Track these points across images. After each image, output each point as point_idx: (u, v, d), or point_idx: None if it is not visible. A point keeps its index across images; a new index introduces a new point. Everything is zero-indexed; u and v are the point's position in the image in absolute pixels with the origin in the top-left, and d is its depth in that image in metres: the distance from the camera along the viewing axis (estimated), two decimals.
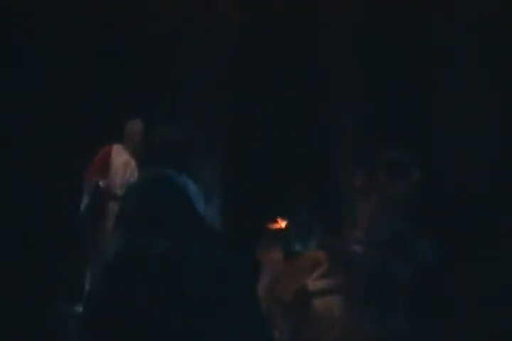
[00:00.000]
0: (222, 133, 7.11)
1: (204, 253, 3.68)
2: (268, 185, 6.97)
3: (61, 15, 7.07)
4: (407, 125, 6.12)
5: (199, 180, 4.09)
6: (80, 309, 6.00)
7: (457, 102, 6.10)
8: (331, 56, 6.97)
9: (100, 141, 6.54)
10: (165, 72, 7.22)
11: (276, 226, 5.75)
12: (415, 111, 6.19)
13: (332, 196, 7.24)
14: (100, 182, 6.24)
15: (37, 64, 7.13)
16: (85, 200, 6.22)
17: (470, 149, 5.75)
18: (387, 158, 4.46)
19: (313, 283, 4.37)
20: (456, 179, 5.77)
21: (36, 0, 6.92)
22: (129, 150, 6.40)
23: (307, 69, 6.99)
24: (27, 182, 7.15)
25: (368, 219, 4.33)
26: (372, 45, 6.52)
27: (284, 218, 5.88)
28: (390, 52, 6.47)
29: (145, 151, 4.28)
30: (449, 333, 4.07)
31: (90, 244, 6.21)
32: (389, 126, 6.39)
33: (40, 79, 7.19)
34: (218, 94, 7.35)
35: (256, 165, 6.93)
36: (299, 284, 4.40)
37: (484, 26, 6.13)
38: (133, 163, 6.41)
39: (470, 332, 4.16)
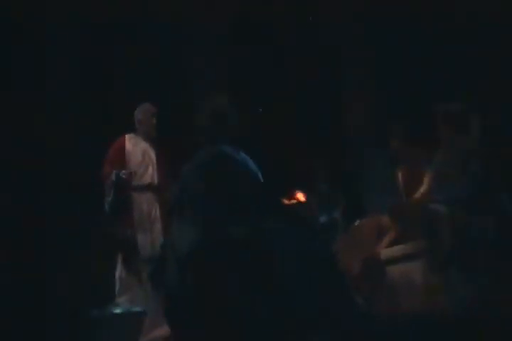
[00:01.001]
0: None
1: (282, 234, 3.52)
2: (289, 162, 6.78)
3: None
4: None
5: None
6: (108, 312, 5.89)
7: None
8: None
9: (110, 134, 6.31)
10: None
11: (296, 200, 5.56)
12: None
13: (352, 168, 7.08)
14: (122, 173, 6.00)
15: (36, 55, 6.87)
16: (109, 196, 5.98)
17: None
18: (452, 111, 4.27)
19: (385, 251, 4.17)
20: None
21: None
22: (143, 137, 6.16)
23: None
24: (38, 184, 6.88)
25: (439, 177, 4.14)
26: None
27: (303, 192, 5.70)
28: None
29: (198, 128, 4.01)
30: None
31: (119, 242, 5.98)
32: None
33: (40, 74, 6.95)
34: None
35: (276, 143, 6.72)
36: (368, 253, 4.20)
37: None
38: (150, 150, 6.18)
39: None
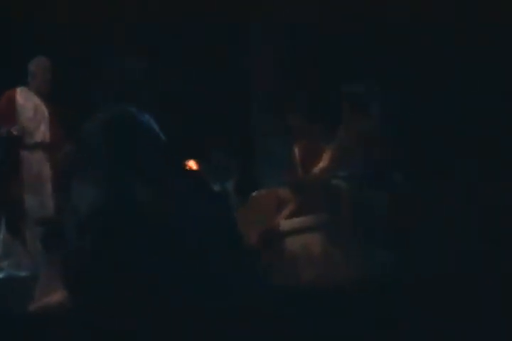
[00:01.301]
0: None
1: (186, 198, 3.49)
2: (184, 129, 6.71)
3: None
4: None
5: None
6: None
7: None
8: None
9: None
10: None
11: (189, 168, 5.52)
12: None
13: (247, 138, 7.09)
14: (13, 129, 5.74)
15: None
16: None
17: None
18: (351, 90, 4.37)
19: (285, 223, 4.23)
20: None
21: None
22: (35, 92, 5.92)
23: None
24: None
25: (339, 153, 4.23)
26: None
27: (197, 161, 5.70)
28: None
29: (103, 85, 3.88)
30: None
31: (3, 203, 5.75)
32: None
33: None
34: None
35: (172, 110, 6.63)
36: (267, 224, 4.25)
37: None
38: (43, 106, 5.94)
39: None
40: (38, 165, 5.86)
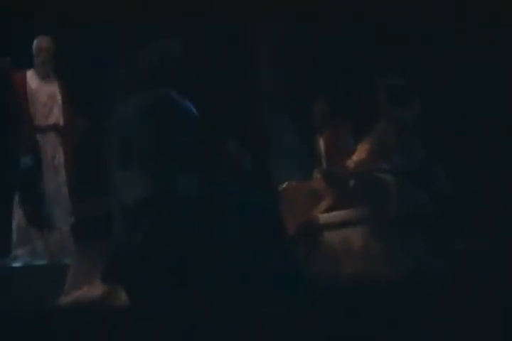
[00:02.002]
0: None
1: (233, 190, 3.39)
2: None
3: None
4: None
5: None
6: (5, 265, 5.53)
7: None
8: None
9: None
10: None
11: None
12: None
13: (261, 130, 6.97)
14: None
15: None
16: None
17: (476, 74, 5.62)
18: (392, 83, 4.26)
19: (324, 216, 4.14)
20: None
21: None
22: (44, 73, 5.76)
23: None
24: None
25: (378, 146, 4.14)
26: None
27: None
28: None
29: (143, 71, 3.73)
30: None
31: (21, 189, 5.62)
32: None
33: None
34: None
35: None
36: (303, 217, 4.15)
37: None
38: (54, 87, 5.80)
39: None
40: (52, 149, 5.75)
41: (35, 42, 5.70)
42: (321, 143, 5.37)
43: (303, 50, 6.05)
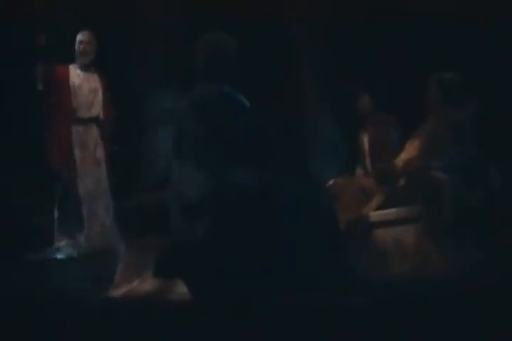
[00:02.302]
0: None
1: (290, 186, 3.37)
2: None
3: None
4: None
5: None
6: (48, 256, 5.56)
7: None
8: None
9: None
10: None
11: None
12: None
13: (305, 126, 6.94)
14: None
15: None
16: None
17: None
18: (446, 79, 4.21)
19: (375, 214, 4.10)
20: None
21: None
22: (85, 67, 5.80)
23: None
24: None
25: (429, 143, 4.09)
26: None
27: None
28: None
29: (200, 64, 3.71)
30: None
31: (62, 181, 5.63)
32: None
33: None
34: None
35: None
36: (353, 214, 4.11)
37: None
38: (95, 81, 5.84)
39: None
40: (93, 142, 5.76)
41: (77, 36, 5.77)
42: (365, 140, 5.34)
43: (347, 47, 6.01)
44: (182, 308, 3.24)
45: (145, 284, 3.70)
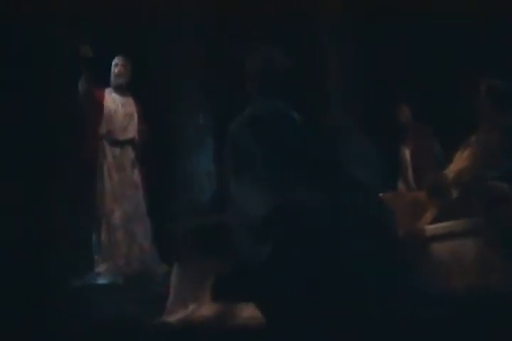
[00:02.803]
0: None
1: (354, 203, 3.30)
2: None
3: None
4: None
5: None
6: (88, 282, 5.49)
7: None
8: None
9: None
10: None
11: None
12: None
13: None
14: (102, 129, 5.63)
15: None
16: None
17: None
18: (494, 87, 4.13)
19: (431, 228, 3.99)
20: None
21: None
22: (119, 90, 5.81)
23: None
24: None
25: (482, 153, 4.00)
26: None
27: None
28: None
29: (255, 79, 3.64)
30: None
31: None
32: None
33: None
34: None
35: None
36: (407, 228, 4.01)
37: None
38: (130, 104, 5.83)
39: None
40: (129, 164, 5.75)
41: (114, 60, 5.87)
42: (406, 152, 5.27)
43: (384, 58, 5.95)
44: (251, 332, 3.16)
45: (203, 309, 3.61)
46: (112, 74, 5.84)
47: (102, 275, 5.38)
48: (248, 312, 3.26)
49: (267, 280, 3.02)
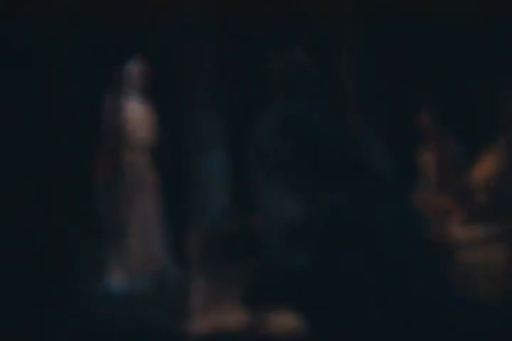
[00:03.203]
0: None
1: (383, 206, 3.24)
2: None
3: None
4: None
5: None
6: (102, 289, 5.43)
7: None
8: None
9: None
10: None
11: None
12: None
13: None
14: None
15: None
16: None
17: None
18: None
19: (458, 232, 3.95)
20: None
21: None
22: (135, 95, 5.77)
23: None
24: None
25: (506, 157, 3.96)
26: None
27: None
28: None
29: (279, 80, 3.59)
30: None
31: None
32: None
33: None
34: None
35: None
36: (439, 233, 3.96)
37: None
38: (145, 109, 5.78)
39: None
40: (144, 170, 5.67)
41: (127, 66, 5.81)
42: (428, 156, 5.23)
43: (406, 60, 5.91)
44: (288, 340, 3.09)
45: (232, 316, 3.53)
46: (126, 80, 5.76)
47: (115, 282, 5.32)
48: (282, 320, 3.19)
49: (304, 286, 2.96)
